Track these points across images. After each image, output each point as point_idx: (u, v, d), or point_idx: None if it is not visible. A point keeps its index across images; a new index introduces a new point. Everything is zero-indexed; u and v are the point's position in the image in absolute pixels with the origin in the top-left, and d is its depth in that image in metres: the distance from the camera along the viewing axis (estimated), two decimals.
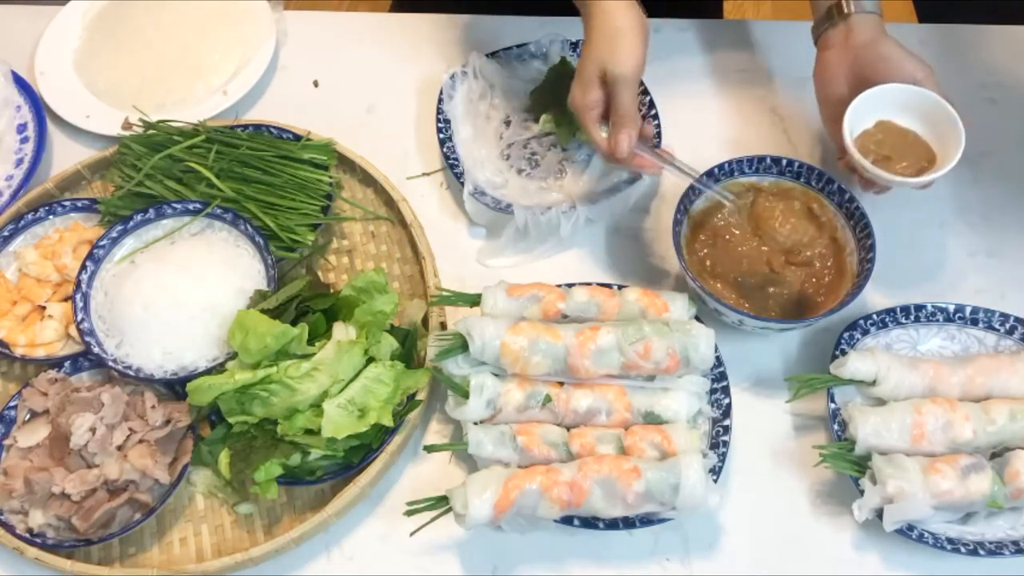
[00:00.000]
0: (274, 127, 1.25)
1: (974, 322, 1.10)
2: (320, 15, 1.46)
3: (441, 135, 1.25)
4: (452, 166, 1.22)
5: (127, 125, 1.25)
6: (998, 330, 1.10)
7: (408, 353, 1.08)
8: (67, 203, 1.20)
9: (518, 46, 1.32)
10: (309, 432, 0.99)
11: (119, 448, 1.02)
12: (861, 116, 1.10)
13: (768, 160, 1.15)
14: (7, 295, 1.14)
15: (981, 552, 0.97)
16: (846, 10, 1.13)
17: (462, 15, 1.41)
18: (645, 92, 1.27)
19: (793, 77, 1.35)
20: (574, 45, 1.32)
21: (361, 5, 2.57)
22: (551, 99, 1.26)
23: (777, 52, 1.38)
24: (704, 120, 1.31)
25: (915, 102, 1.10)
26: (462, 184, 1.21)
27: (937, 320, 1.11)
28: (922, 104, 1.10)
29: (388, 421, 0.99)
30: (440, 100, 1.27)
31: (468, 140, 1.26)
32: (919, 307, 1.10)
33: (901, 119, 1.12)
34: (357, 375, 1.01)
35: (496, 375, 1.03)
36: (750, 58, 1.36)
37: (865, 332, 1.10)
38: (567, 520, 0.98)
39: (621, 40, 1.06)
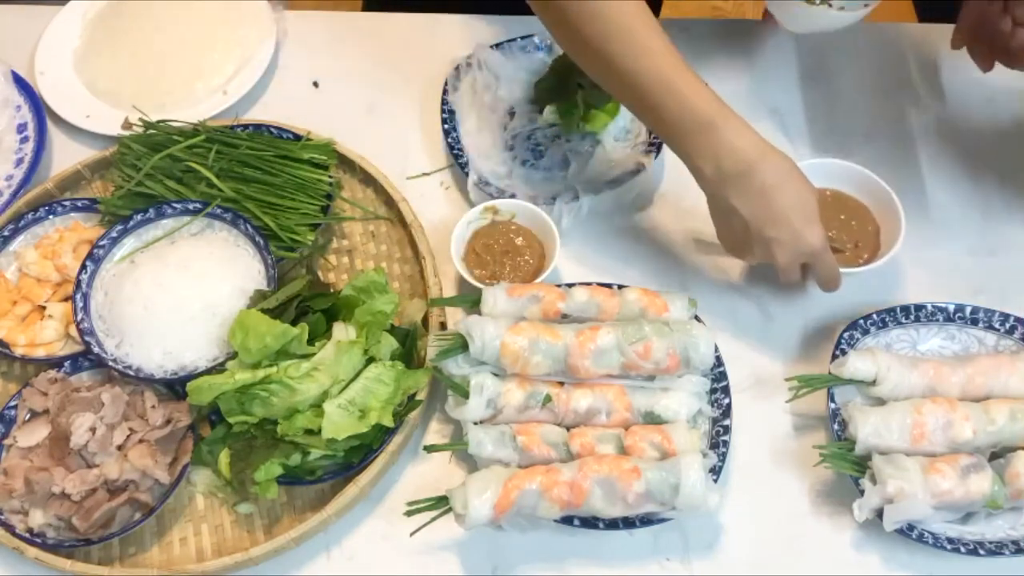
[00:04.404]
0: (274, 127, 1.25)
1: (974, 322, 1.10)
2: (320, 15, 1.46)
3: (446, 126, 1.25)
4: (456, 156, 1.23)
5: (127, 125, 1.25)
6: (998, 330, 1.10)
7: (408, 353, 1.08)
8: (67, 203, 1.20)
9: (523, 37, 1.33)
10: (309, 432, 0.99)
11: (119, 448, 1.02)
12: None
13: None
14: (7, 295, 1.14)
15: (981, 552, 0.97)
16: None
17: (463, 15, 1.41)
18: None
19: (793, 77, 1.35)
20: None
21: (360, 5, 2.56)
22: (556, 90, 1.26)
23: (778, 52, 1.38)
24: None
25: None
26: (466, 175, 1.21)
27: (937, 320, 1.11)
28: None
29: (388, 421, 0.99)
30: (445, 91, 1.28)
31: (472, 131, 1.26)
32: (919, 307, 1.10)
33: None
34: (357, 375, 1.01)
35: (496, 375, 1.03)
36: (751, 58, 1.36)
37: (865, 332, 1.10)
38: (567, 520, 0.98)
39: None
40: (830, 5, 1.23)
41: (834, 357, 1.07)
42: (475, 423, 1.01)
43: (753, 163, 0.96)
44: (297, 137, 1.24)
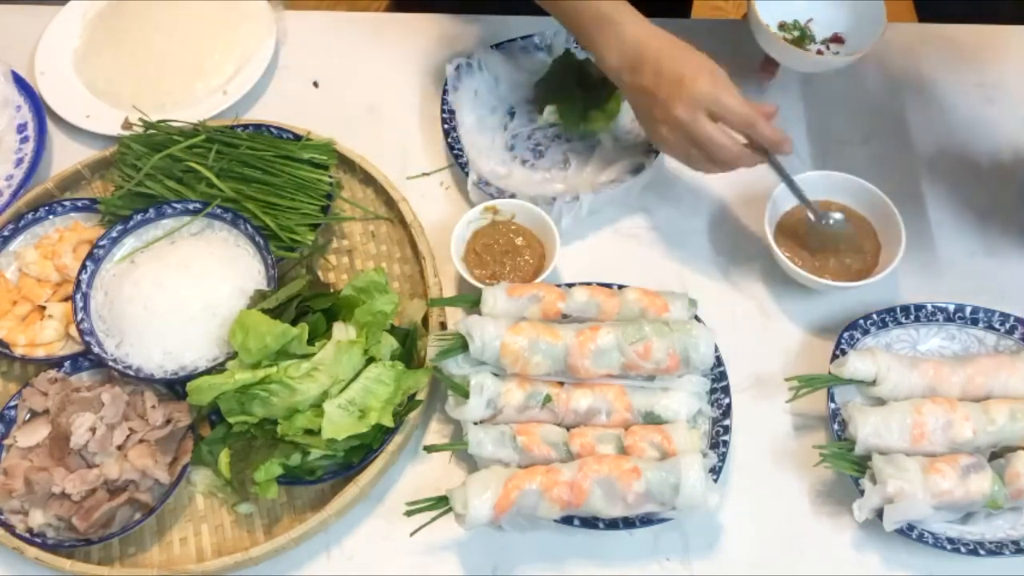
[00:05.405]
0: (274, 127, 1.25)
1: (974, 322, 1.10)
2: (320, 15, 1.46)
3: (446, 125, 1.25)
4: (456, 156, 1.23)
5: (127, 125, 1.25)
6: (998, 330, 1.10)
7: (408, 353, 1.08)
8: (67, 203, 1.20)
9: (523, 38, 1.33)
10: (309, 432, 0.99)
11: (119, 448, 1.02)
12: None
13: None
14: (7, 295, 1.14)
15: (981, 552, 0.97)
16: None
17: (463, 15, 1.41)
18: None
19: (792, 77, 1.35)
20: None
21: (359, 5, 2.56)
22: (556, 90, 1.27)
23: None
24: None
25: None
26: (466, 175, 1.21)
27: (937, 320, 1.11)
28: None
29: (388, 421, 0.99)
30: (445, 91, 1.28)
31: (472, 130, 1.27)
32: (919, 307, 1.11)
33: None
34: (357, 375, 1.01)
35: (496, 375, 1.03)
36: (751, 58, 1.36)
37: (865, 332, 1.10)
38: (567, 520, 0.98)
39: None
40: (821, 52, 1.26)
41: (834, 357, 1.07)
42: (475, 423, 1.01)
43: (645, 48, 1.06)
44: (297, 137, 1.24)
